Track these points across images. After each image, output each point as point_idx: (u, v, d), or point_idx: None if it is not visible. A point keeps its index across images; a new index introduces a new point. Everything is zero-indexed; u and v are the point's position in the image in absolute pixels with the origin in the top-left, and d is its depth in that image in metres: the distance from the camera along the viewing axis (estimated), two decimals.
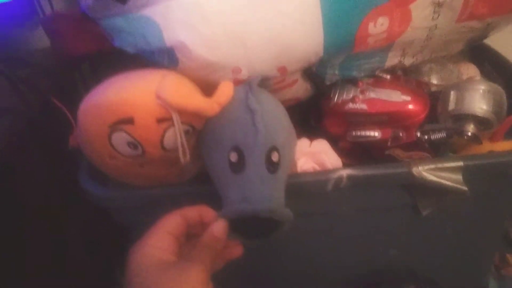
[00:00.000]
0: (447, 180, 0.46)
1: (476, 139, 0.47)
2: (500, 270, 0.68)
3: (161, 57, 0.44)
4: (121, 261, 0.36)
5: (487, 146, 0.50)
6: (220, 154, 0.40)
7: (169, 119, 0.39)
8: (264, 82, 0.45)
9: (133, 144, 0.40)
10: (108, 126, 0.39)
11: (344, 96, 0.52)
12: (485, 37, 0.54)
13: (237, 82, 0.44)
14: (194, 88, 0.43)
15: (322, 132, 0.55)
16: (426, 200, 0.50)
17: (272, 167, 0.39)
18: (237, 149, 0.39)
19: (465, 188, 0.46)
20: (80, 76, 0.66)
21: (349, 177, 0.46)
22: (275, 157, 0.39)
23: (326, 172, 0.47)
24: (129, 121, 0.39)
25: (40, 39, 0.63)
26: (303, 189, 0.47)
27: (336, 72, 0.51)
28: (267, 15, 0.41)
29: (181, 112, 0.39)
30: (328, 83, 0.53)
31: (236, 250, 0.40)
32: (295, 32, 0.42)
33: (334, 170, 0.46)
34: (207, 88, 0.43)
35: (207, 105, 0.40)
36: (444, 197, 0.48)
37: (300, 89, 0.53)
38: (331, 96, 0.53)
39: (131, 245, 0.36)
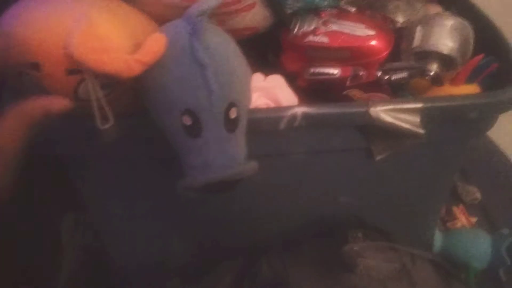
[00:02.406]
0: (405, 122, 0.44)
1: (438, 79, 0.45)
2: (445, 223, 0.69)
3: None
4: None
5: (447, 90, 0.48)
6: (171, 117, 0.35)
7: (82, 72, 0.33)
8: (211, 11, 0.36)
9: (45, 91, 0.34)
10: (14, 66, 0.33)
11: (305, 27, 0.48)
12: None
13: None
14: (117, 38, 0.35)
15: (280, 69, 0.51)
16: (381, 144, 0.48)
17: (231, 125, 0.36)
18: (190, 112, 0.34)
19: (422, 131, 0.44)
20: None
21: (304, 116, 0.43)
22: (233, 113, 0.36)
23: (280, 109, 0.44)
24: (35, 67, 0.32)
25: None
26: (254, 127, 0.42)
27: None
28: None
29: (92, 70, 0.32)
30: (289, 11, 0.48)
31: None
32: None
33: (288, 107, 0.44)
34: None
35: (124, 66, 0.32)
36: (399, 141, 0.47)
37: (258, 15, 0.48)
38: (291, 27, 0.49)
39: None
